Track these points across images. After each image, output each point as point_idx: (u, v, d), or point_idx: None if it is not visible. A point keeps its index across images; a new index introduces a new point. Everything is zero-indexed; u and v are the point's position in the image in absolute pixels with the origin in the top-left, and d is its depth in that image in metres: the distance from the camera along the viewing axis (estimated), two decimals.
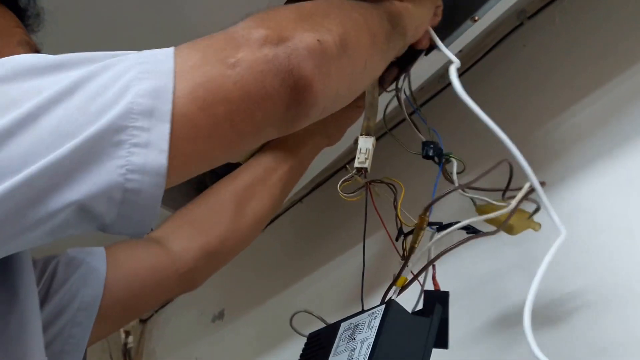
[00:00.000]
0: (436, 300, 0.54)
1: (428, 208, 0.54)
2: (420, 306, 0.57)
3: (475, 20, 0.71)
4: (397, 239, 0.63)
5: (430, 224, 0.58)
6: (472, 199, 0.59)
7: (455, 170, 0.59)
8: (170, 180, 0.38)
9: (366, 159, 0.64)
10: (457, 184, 0.56)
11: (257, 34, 0.41)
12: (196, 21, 0.75)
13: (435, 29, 0.65)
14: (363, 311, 0.55)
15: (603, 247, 0.63)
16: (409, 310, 0.56)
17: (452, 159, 0.60)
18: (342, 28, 0.47)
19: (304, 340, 0.61)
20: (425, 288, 0.58)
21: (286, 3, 0.58)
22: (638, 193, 0.62)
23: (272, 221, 1.07)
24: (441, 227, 0.58)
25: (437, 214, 0.59)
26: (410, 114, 0.65)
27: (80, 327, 0.60)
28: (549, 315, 0.63)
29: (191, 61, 0.39)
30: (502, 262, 0.71)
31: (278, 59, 0.41)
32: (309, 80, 0.42)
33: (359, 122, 0.70)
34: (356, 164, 0.64)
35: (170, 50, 0.40)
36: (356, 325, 0.54)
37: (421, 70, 0.66)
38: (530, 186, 0.51)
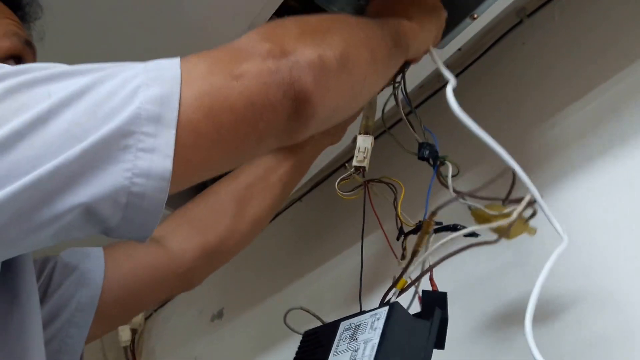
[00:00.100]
0: (435, 302, 0.54)
1: (435, 213, 0.54)
2: (415, 304, 0.57)
3: (475, 18, 0.71)
4: (397, 239, 0.64)
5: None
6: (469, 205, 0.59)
7: (450, 173, 0.59)
8: (174, 186, 0.39)
9: (365, 157, 0.64)
10: (451, 188, 0.56)
11: (261, 48, 0.43)
12: (195, 20, 0.75)
13: None
14: (364, 312, 0.55)
15: (600, 248, 0.63)
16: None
17: (447, 162, 0.60)
18: (344, 44, 0.48)
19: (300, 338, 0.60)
20: (422, 288, 0.58)
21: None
22: (636, 192, 0.62)
23: (271, 220, 1.07)
24: (441, 228, 0.58)
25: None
26: (407, 114, 0.65)
27: (77, 327, 0.61)
28: (543, 313, 0.63)
29: (197, 71, 0.41)
30: (498, 261, 0.71)
31: (281, 71, 0.42)
32: (308, 93, 0.43)
33: (358, 121, 0.70)
34: (354, 163, 0.65)
35: (176, 60, 0.41)
36: (357, 326, 0.54)
37: (421, 68, 0.66)
38: (531, 197, 0.52)
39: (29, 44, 0.57)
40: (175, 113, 0.38)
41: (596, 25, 0.72)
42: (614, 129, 0.66)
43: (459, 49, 0.81)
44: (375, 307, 0.55)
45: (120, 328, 1.46)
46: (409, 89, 0.67)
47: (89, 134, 0.36)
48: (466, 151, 0.65)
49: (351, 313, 0.57)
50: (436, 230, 0.58)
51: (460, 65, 0.86)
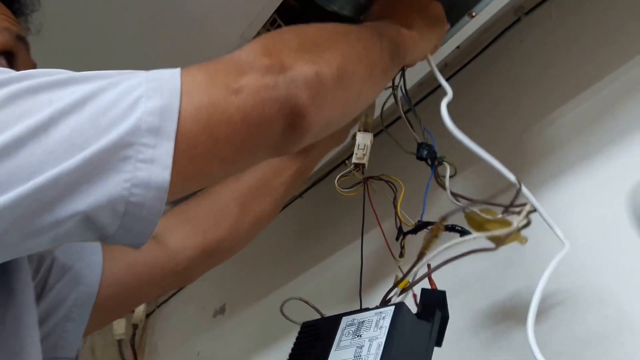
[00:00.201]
0: (434, 300, 0.55)
1: (445, 219, 0.55)
2: (409, 302, 0.58)
3: (473, 16, 0.72)
4: (397, 239, 0.64)
5: (426, 224, 0.59)
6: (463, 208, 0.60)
7: (447, 174, 0.60)
8: (170, 195, 0.39)
9: (364, 154, 0.65)
10: (448, 189, 0.57)
11: (260, 62, 0.44)
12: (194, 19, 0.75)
13: None
14: (366, 309, 0.56)
15: (597, 246, 0.63)
16: None
17: (444, 162, 0.61)
18: (342, 60, 0.49)
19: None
20: (421, 286, 0.58)
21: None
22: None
23: None
24: (450, 228, 0.58)
25: (427, 214, 0.61)
26: (406, 112, 0.66)
27: (74, 322, 0.61)
28: (540, 311, 0.64)
29: (197, 83, 0.41)
30: (496, 259, 0.71)
31: (278, 88, 0.43)
32: (304, 109, 0.44)
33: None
34: (354, 160, 0.65)
35: (177, 71, 0.41)
36: (361, 322, 0.54)
37: (421, 66, 0.67)
38: (531, 207, 0.53)
39: (21, 39, 0.56)
40: (175, 125, 0.39)
41: (593, 23, 0.73)
42: (612, 126, 0.66)
43: (458, 47, 0.81)
44: (375, 304, 0.56)
45: (114, 322, 1.45)
46: (408, 87, 0.68)
47: (90, 143, 0.36)
48: (463, 150, 0.65)
49: (351, 309, 0.57)
50: (446, 229, 0.58)
51: (459, 62, 0.86)
